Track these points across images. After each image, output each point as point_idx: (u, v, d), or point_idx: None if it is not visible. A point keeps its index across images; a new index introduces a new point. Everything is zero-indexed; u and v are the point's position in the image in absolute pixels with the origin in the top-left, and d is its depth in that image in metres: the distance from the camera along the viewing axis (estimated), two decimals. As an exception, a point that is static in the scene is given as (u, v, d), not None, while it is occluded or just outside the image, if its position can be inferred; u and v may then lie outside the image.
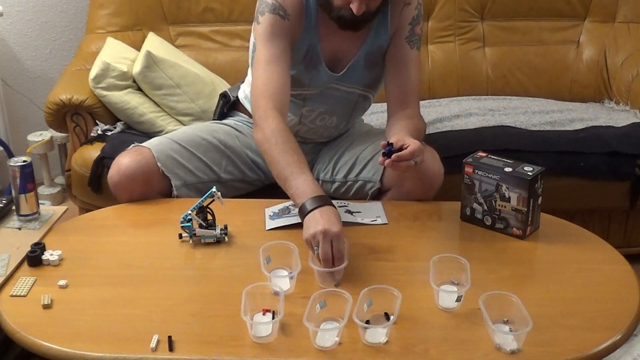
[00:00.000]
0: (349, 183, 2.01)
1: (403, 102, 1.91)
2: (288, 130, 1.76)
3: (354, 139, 2.08)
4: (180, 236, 1.72)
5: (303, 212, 1.61)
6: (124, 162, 1.88)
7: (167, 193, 1.93)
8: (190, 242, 1.70)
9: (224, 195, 1.74)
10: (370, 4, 1.77)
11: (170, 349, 1.34)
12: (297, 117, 2.02)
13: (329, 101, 2.00)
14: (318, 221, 1.55)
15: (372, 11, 1.80)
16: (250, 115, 2.11)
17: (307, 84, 1.96)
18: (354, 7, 1.74)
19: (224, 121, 2.15)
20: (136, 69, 2.43)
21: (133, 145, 1.97)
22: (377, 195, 1.96)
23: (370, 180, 1.95)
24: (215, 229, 1.70)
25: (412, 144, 1.63)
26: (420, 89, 1.96)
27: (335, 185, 2.04)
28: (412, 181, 1.86)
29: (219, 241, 1.71)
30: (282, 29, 1.83)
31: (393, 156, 1.62)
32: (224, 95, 2.21)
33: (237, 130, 2.10)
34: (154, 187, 1.90)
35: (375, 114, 2.58)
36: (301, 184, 1.66)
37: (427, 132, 2.39)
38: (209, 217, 1.72)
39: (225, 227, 1.72)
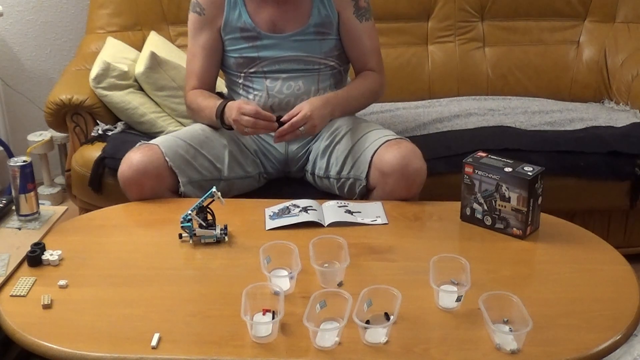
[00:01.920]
0: (342, 180, 2.02)
1: (363, 65, 2.15)
2: (200, 93, 2.09)
3: (344, 131, 2.05)
4: (180, 236, 1.72)
5: (217, 115, 1.98)
6: (136, 157, 1.89)
7: (175, 190, 1.95)
8: (190, 242, 1.70)
9: (227, 194, 1.73)
10: None
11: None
12: (264, 91, 2.08)
13: (289, 68, 2.07)
14: (231, 109, 1.93)
15: None
16: None
17: (256, 57, 2.07)
18: None
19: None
20: (139, 69, 2.42)
21: (140, 143, 1.98)
22: (365, 194, 1.97)
23: (359, 178, 1.96)
24: (215, 229, 1.70)
25: (296, 110, 1.90)
26: (379, 52, 2.17)
27: (331, 181, 2.04)
28: (394, 178, 1.87)
29: (219, 241, 1.71)
30: (200, 25, 2.09)
31: (276, 132, 1.90)
32: (219, 95, 2.22)
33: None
34: (164, 182, 1.92)
35: (376, 114, 2.59)
36: (211, 109, 2.02)
37: (427, 132, 2.42)
38: (209, 217, 1.72)
39: (225, 227, 1.72)
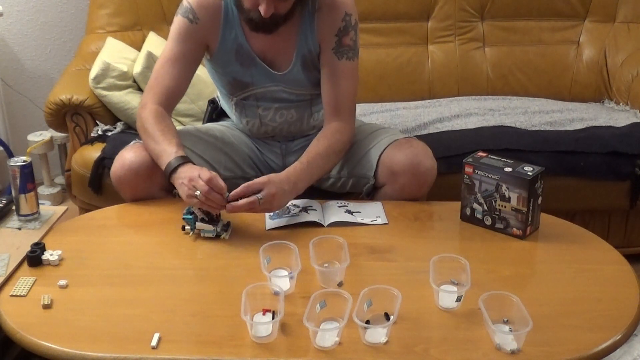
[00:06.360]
0: (342, 179, 2.01)
1: (334, 112, 1.94)
2: (161, 116, 1.86)
3: None
4: (183, 228, 1.72)
5: (167, 172, 1.75)
6: (128, 156, 1.87)
7: (169, 189, 1.92)
8: (191, 234, 1.71)
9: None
10: (279, 6, 1.77)
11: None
12: (257, 118, 2.04)
13: (281, 98, 2.00)
14: (181, 177, 1.70)
15: (282, 14, 1.80)
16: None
17: (250, 83, 1.97)
18: (261, 9, 1.76)
19: (218, 122, 2.16)
20: (137, 69, 2.43)
21: (134, 141, 1.96)
22: (372, 192, 1.96)
23: (365, 176, 1.95)
24: (217, 224, 1.70)
25: (246, 186, 1.71)
26: (354, 98, 1.96)
27: (331, 181, 2.04)
28: (405, 177, 1.87)
29: (218, 236, 1.71)
30: (188, 32, 1.90)
31: (227, 205, 1.69)
32: (212, 102, 2.21)
33: (230, 128, 2.11)
34: (157, 182, 1.89)
35: (375, 114, 2.59)
36: (165, 151, 1.78)
37: (427, 132, 2.42)
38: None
39: (228, 224, 1.73)
